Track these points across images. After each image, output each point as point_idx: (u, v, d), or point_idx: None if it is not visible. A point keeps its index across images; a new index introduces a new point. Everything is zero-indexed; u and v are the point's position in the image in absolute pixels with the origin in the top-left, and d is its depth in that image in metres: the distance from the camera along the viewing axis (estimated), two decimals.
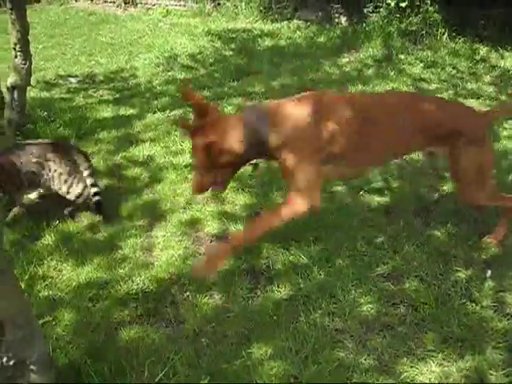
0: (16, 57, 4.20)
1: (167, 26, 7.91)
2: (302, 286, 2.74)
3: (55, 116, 4.68)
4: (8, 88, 4.30)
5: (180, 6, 9.21)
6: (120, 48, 6.92)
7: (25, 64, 4.20)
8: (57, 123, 4.56)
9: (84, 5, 9.38)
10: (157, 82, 5.73)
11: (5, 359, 1.73)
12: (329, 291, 2.69)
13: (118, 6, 9.47)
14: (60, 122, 4.60)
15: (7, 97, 4.33)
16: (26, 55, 4.19)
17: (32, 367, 1.85)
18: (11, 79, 4.26)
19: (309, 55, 6.57)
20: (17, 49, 4.14)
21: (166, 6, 9.23)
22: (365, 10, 8.10)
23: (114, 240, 3.22)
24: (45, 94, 5.36)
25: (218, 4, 8.87)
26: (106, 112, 4.92)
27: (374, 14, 8.01)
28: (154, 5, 9.33)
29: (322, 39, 7.32)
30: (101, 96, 5.39)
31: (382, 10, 7.73)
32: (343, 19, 8.48)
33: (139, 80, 5.83)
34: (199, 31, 7.56)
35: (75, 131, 4.48)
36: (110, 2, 9.66)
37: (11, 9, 3.99)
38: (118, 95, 5.38)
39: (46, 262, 3.02)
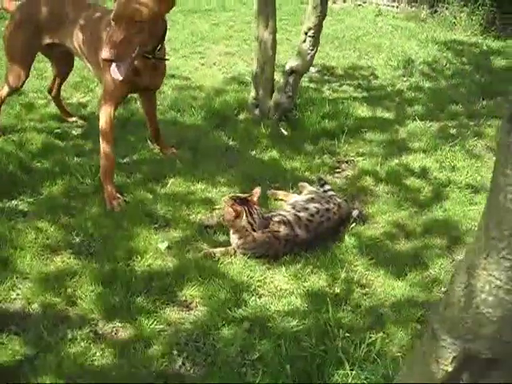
0: (304, 41, 4.05)
1: (388, 27, 7.55)
2: None
3: (314, 106, 4.46)
4: (286, 71, 4.15)
5: (393, 6, 8.84)
6: (346, 42, 6.71)
7: (312, 50, 4.05)
8: (318, 114, 4.34)
9: None
10: (401, 86, 5.43)
11: None
12: None
13: None
14: (320, 113, 4.38)
15: (281, 80, 4.18)
16: (316, 42, 4.03)
17: None
18: (292, 63, 4.14)
19: None
20: (309, 34, 4.00)
21: (378, 4, 8.89)
22: None
23: (418, 256, 2.95)
24: None
25: (435, 11, 8.40)
26: (362, 111, 4.70)
27: None
28: (365, 2, 9.03)
29: None
30: (347, 92, 5.13)
31: None
32: None
33: (381, 81, 5.58)
34: (424, 37, 7.17)
35: (340, 127, 4.26)
36: None
37: None
38: (365, 94, 5.16)
39: (352, 267, 2.83)
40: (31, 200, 3.21)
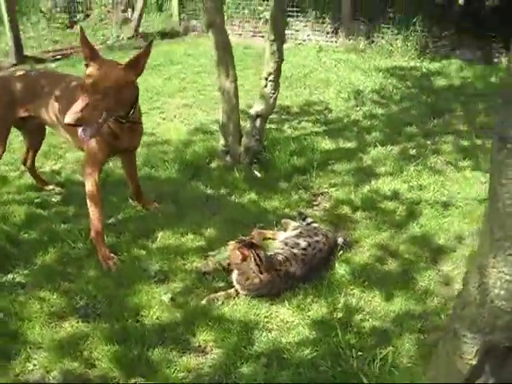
0: (266, 86, 4.27)
1: (331, 61, 7.93)
2: None
3: (280, 146, 4.68)
4: (251, 116, 4.35)
5: (332, 41, 9.27)
6: (296, 81, 7.00)
7: (273, 93, 4.27)
8: (286, 153, 4.56)
9: (233, 38, 9.55)
10: (356, 116, 5.72)
11: None
12: None
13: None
14: (288, 151, 4.60)
15: (247, 124, 4.39)
16: (276, 85, 4.26)
17: None
18: (257, 108, 4.34)
19: (490, 95, 6.43)
20: (269, 79, 4.22)
21: (318, 41, 9.30)
22: None
23: (406, 271, 3.15)
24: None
25: (372, 41, 8.87)
26: (326, 144, 4.94)
27: None
28: (305, 40, 9.44)
29: (493, 79, 7.16)
30: (307, 128, 5.39)
31: None
32: (504, 59, 8.32)
33: (336, 114, 5.85)
34: (366, 67, 7.56)
35: (309, 162, 4.48)
36: (260, 36, 9.81)
37: (273, 40, 4.04)
38: (325, 127, 5.41)
39: (349, 291, 3.04)
40: (26, 271, 3.26)
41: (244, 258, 2.90)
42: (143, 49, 3.09)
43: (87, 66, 3.06)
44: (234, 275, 3.00)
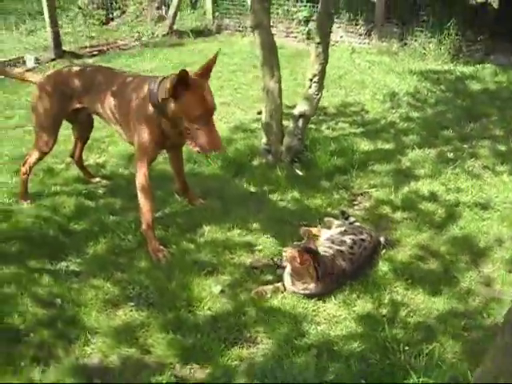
0: (310, 87, 4.36)
1: (365, 63, 7.99)
2: None
3: (320, 146, 4.78)
4: (294, 116, 4.45)
5: (365, 43, 9.32)
6: (331, 82, 7.05)
7: (317, 95, 4.37)
8: (326, 152, 4.65)
9: None
10: (392, 118, 5.79)
11: None
12: None
13: (299, 41, 9.69)
14: (328, 151, 4.69)
15: (291, 124, 4.48)
16: (321, 87, 4.35)
17: None
18: (301, 108, 4.44)
19: None
20: (314, 80, 4.31)
21: (351, 43, 9.36)
22: None
23: (448, 271, 3.24)
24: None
25: (405, 44, 8.91)
26: (365, 145, 5.02)
27: None
28: (338, 41, 9.49)
29: None
30: (345, 128, 5.47)
31: None
32: None
33: (373, 115, 5.92)
34: (400, 69, 7.61)
35: (349, 162, 4.56)
36: (292, 37, 9.90)
37: (319, 43, 4.14)
38: (362, 129, 5.48)
39: (393, 288, 3.12)
40: (79, 260, 3.40)
41: (303, 262, 2.99)
42: (212, 57, 3.25)
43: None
44: (288, 274, 3.09)
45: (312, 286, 2.99)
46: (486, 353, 1.83)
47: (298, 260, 2.97)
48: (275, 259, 3.26)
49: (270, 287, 3.08)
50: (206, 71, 3.21)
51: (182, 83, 3.05)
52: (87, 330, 2.82)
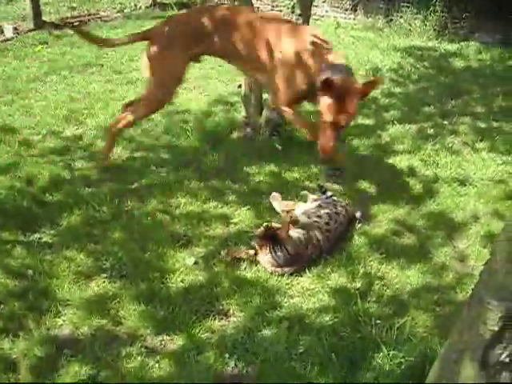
0: None
1: (349, 38, 7.94)
2: None
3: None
4: None
5: (350, 19, 9.25)
6: None
7: None
8: None
9: None
10: (374, 93, 5.70)
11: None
12: None
13: (284, 15, 9.56)
14: None
15: (269, 97, 4.43)
16: None
17: None
18: None
19: (509, 79, 6.44)
20: None
21: (336, 17, 9.27)
22: None
23: (423, 246, 3.23)
24: None
25: (391, 20, 8.85)
26: None
27: None
28: (323, 16, 9.41)
29: None
30: None
31: None
32: None
33: None
34: (384, 45, 7.56)
35: None
36: (277, 10, 9.78)
37: (300, 15, 4.10)
38: None
39: (367, 263, 3.13)
40: (53, 232, 3.35)
41: (260, 247, 3.02)
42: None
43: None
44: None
45: (281, 270, 3.00)
46: (454, 326, 1.82)
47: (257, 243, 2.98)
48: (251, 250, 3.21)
49: (242, 251, 3.06)
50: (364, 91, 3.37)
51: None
52: (58, 302, 2.79)
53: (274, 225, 3.08)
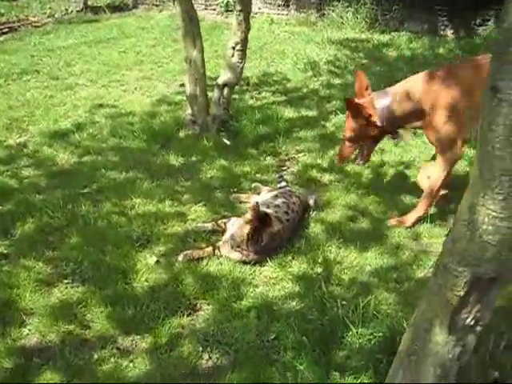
0: (233, 56, 4.36)
1: (284, 33, 8.06)
2: None
3: (245, 115, 4.81)
4: (218, 85, 4.45)
5: (283, 14, 9.38)
6: (252, 53, 7.05)
7: (241, 63, 4.37)
8: (252, 121, 4.69)
9: None
10: (314, 86, 5.89)
11: None
12: None
13: (218, 14, 9.62)
14: (253, 119, 4.73)
15: (215, 94, 4.48)
16: (243, 55, 4.35)
17: None
18: (224, 76, 4.44)
19: (439, 65, 6.69)
20: (236, 48, 4.30)
21: (269, 14, 9.38)
22: (472, 23, 8.32)
23: (377, 229, 3.35)
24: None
25: (323, 14, 9.04)
26: (289, 113, 5.10)
27: (482, 27, 8.25)
28: (256, 13, 9.49)
29: (441, 51, 7.46)
30: (268, 98, 5.53)
31: (490, 23, 7.98)
32: (449, 31, 8.66)
33: (295, 84, 6.00)
34: (319, 39, 7.72)
35: (274, 130, 4.62)
36: (211, 10, 9.82)
37: (240, 10, 4.14)
38: (285, 97, 5.54)
39: (325, 247, 3.20)
40: (7, 242, 3.28)
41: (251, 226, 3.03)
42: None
43: None
44: (227, 240, 3.12)
45: (249, 257, 3.04)
46: (421, 297, 1.91)
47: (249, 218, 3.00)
48: (219, 222, 3.25)
49: (196, 251, 3.08)
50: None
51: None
52: (22, 311, 2.75)
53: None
